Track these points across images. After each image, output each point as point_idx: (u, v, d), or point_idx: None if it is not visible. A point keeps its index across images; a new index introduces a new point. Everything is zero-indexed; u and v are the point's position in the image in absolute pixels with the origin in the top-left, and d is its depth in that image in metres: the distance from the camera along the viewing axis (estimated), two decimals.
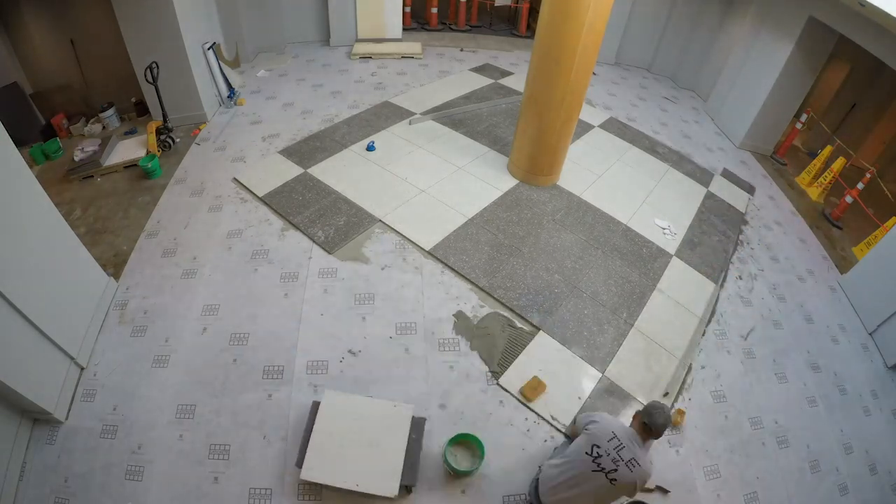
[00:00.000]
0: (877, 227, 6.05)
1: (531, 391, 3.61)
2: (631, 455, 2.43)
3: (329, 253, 4.50)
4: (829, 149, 7.27)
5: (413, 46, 8.66)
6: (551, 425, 3.48)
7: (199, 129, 6.17)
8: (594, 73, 8.73)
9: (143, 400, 3.43)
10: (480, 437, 3.20)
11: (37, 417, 3.23)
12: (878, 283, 4.97)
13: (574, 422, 3.34)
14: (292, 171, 5.44)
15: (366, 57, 8.16)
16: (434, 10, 9.65)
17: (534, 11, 9.81)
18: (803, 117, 7.66)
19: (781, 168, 7.61)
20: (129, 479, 3.06)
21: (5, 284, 2.82)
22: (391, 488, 2.84)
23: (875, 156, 8.36)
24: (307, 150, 5.77)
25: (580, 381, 3.79)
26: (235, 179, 5.31)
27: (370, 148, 5.90)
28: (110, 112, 6.34)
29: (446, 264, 4.49)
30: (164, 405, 3.41)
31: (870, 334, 4.99)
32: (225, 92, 6.73)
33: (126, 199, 5.12)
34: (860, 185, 6.46)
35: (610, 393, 3.75)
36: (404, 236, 4.72)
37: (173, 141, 5.85)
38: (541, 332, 4.07)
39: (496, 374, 3.72)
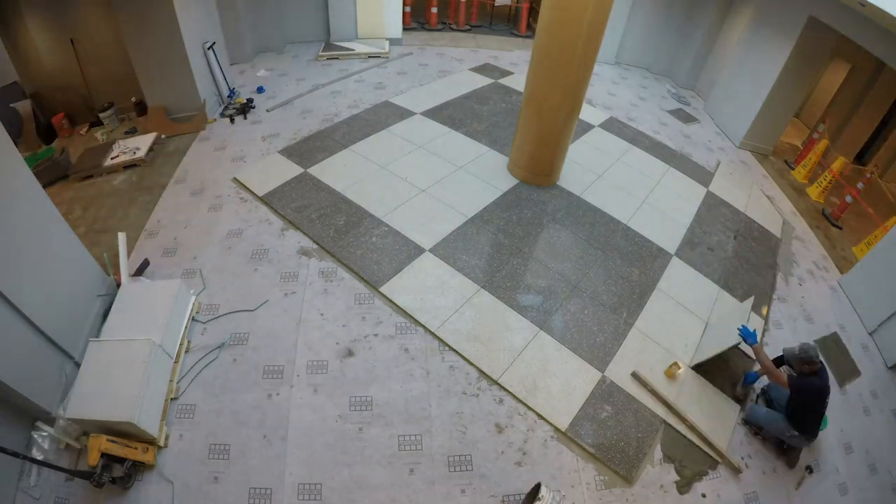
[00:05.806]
0: (877, 226, 6.05)
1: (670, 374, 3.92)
2: None
3: (329, 253, 4.51)
4: (824, 142, 7.28)
5: (380, 44, 8.56)
6: (550, 425, 3.49)
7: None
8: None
9: None
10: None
11: (36, 417, 3.23)
12: (878, 283, 4.97)
13: None
14: (292, 170, 5.43)
15: (332, 57, 8.13)
16: (434, 10, 9.65)
17: (534, 11, 9.81)
18: (820, 127, 7.67)
19: (782, 168, 7.60)
20: None
21: (5, 284, 2.82)
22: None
23: (881, 158, 8.36)
24: (307, 150, 5.77)
25: (580, 381, 3.79)
26: (235, 179, 5.31)
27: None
28: (110, 112, 6.34)
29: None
30: None
31: (870, 334, 4.98)
32: (225, 91, 6.73)
33: (126, 198, 5.12)
34: (860, 185, 6.47)
35: (610, 393, 3.75)
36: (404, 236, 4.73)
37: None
38: (541, 331, 4.07)
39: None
